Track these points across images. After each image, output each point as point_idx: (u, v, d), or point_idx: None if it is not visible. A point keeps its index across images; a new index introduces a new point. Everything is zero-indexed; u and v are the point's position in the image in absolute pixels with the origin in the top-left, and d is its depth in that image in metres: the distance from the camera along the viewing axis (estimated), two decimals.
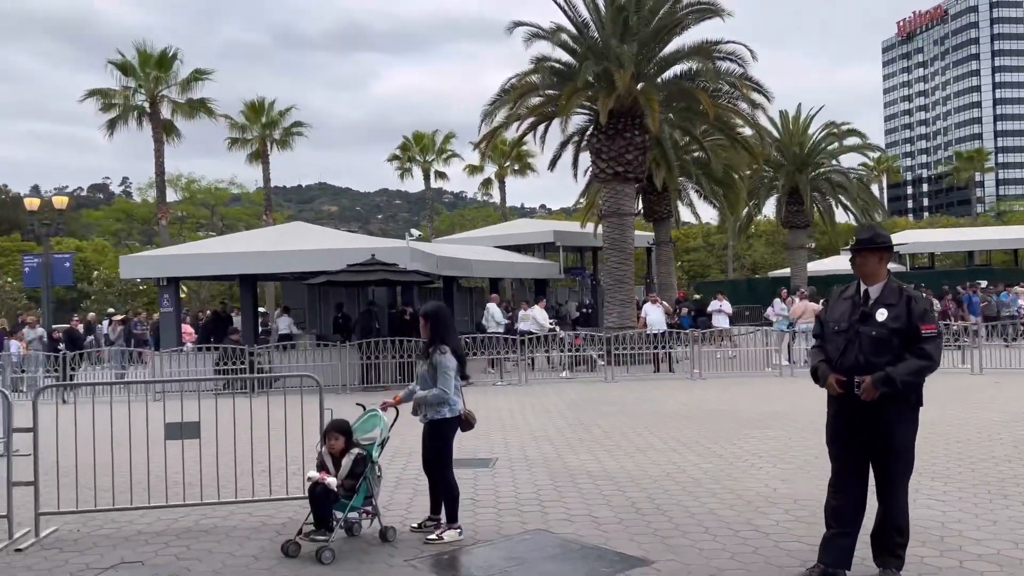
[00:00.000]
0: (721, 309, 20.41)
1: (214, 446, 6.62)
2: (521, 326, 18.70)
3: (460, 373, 5.98)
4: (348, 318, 21.16)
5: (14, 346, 18.25)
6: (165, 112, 32.90)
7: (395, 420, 6.21)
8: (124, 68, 31.97)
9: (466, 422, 6.06)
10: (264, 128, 38.44)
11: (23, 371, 17.71)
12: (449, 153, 49.00)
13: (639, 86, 20.09)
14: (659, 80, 21.22)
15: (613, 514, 6.49)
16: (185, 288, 35.17)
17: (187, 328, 21.82)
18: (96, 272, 40.17)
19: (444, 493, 5.97)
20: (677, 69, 21.16)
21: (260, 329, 23.23)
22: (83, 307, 37.54)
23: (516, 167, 47.78)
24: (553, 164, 24.84)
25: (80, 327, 22.49)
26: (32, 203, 24.21)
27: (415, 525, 6.18)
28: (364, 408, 6.32)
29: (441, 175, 49.51)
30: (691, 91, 20.34)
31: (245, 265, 18.98)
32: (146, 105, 32.61)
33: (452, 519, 5.93)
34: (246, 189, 50.38)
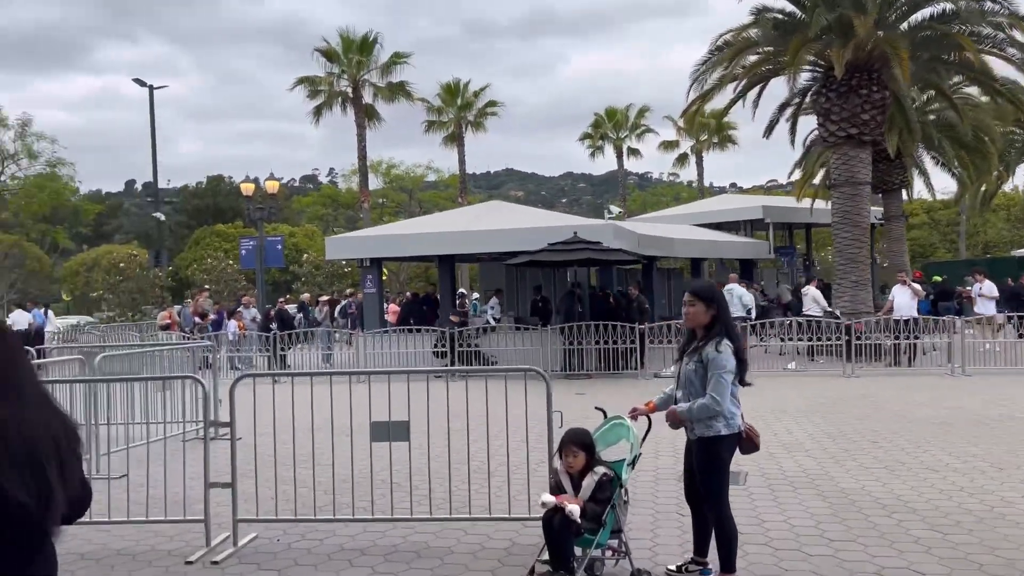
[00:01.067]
0: (982, 292, 17.23)
1: (424, 439, 5.63)
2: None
3: (739, 377, 4.48)
4: (547, 300, 20.20)
5: (231, 326, 18.89)
6: (367, 96, 33.75)
7: (647, 432, 4.85)
8: (329, 55, 33.07)
9: (748, 441, 4.55)
10: (460, 110, 38.56)
11: (238, 350, 18.31)
12: (643, 129, 47.00)
13: (880, 34, 17.32)
14: (901, 27, 18.27)
15: (946, 571, 4.75)
16: (385, 270, 36.07)
17: (394, 307, 21.83)
18: (305, 255, 42.35)
19: (717, 532, 4.53)
20: (925, 12, 18.11)
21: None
22: (295, 288, 39.63)
23: (715, 140, 44.90)
24: (769, 130, 22.36)
25: (290, 307, 23.24)
26: (248, 188, 25.29)
27: (673, 568, 4.80)
28: (605, 414, 5.02)
29: (634, 152, 47.61)
30: (948, 36, 17.24)
31: (446, 245, 18.47)
32: (349, 90, 33.59)
33: (728, 567, 4.49)
34: (442, 172, 51.43)
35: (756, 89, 20.12)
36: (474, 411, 5.62)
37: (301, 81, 33.30)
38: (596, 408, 5.16)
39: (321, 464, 6.22)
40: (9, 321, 22.57)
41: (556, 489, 4.66)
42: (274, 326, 19.37)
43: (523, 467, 6.14)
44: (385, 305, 21.49)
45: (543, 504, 4.54)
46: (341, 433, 5.83)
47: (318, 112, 33.60)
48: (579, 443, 4.63)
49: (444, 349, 16.60)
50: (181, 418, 9.78)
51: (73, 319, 34.85)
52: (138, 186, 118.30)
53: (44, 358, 12.71)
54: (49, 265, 53.24)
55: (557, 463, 4.76)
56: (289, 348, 18.59)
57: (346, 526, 5.89)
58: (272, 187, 25.70)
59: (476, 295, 30.88)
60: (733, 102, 21.09)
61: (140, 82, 33.04)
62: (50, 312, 25.68)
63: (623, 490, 4.66)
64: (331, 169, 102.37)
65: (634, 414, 4.78)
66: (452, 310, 18.78)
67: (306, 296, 29.72)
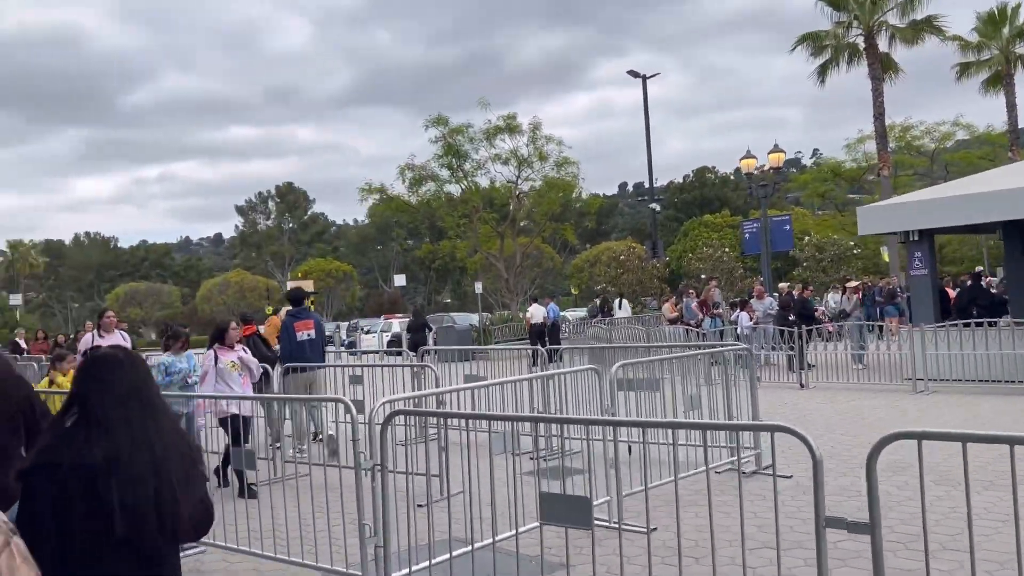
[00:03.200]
0: None
1: None
2: None
3: None
4: None
5: (743, 318, 16.36)
6: (882, 44, 28.56)
7: None
8: (835, 3, 28.71)
9: None
10: (1007, 42, 30.59)
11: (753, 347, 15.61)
12: None
13: None
14: None
15: None
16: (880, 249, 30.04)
17: (951, 292, 17.07)
18: (806, 237, 38.38)
19: None
20: None
21: None
22: (795, 274, 36.04)
23: None
24: None
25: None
26: (748, 164, 22.71)
27: None
28: None
29: None
30: None
31: None
32: (859, 41, 28.80)
33: None
34: (974, 128, 42.17)
35: None
36: None
37: (804, 39, 29.52)
38: None
39: None
40: (528, 314, 23.46)
41: None
42: (793, 318, 16.27)
43: None
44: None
45: None
46: None
47: (823, 71, 29.49)
48: None
49: None
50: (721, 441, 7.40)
51: (581, 311, 36.45)
52: (629, 187, 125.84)
53: (557, 359, 11.61)
54: (559, 263, 58.24)
55: None
56: (809, 343, 15.31)
57: None
58: (776, 159, 22.69)
59: None
60: None
61: (634, 73, 32.93)
62: (624, 301, 25.43)
63: None
64: (815, 150, 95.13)
65: None
66: None
67: (783, 285, 25.96)
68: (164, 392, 7.76)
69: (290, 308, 9.53)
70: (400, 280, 53.55)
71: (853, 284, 19.23)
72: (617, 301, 24.64)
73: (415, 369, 9.66)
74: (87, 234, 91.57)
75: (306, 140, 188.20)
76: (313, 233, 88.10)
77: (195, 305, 66.23)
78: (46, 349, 19.82)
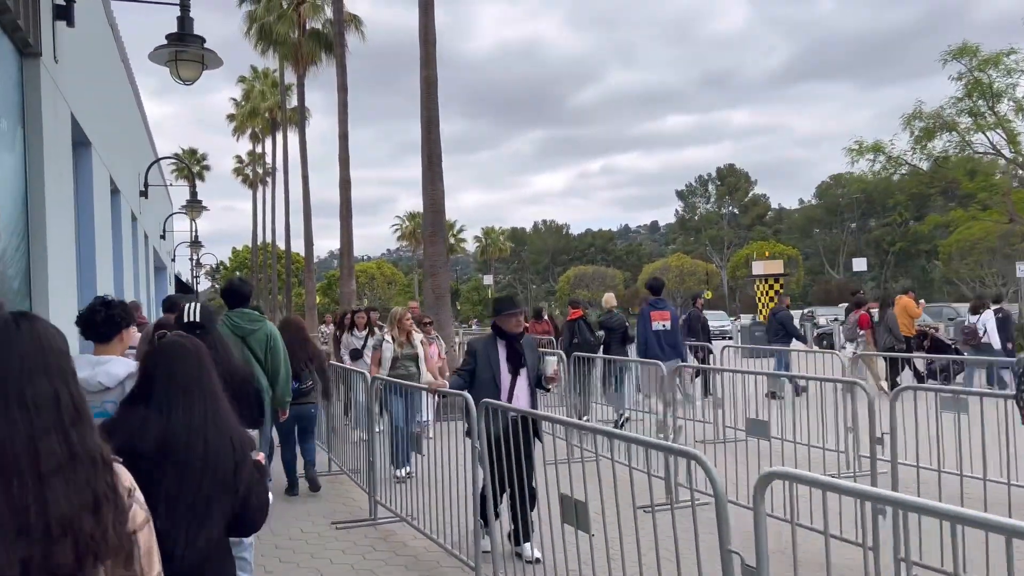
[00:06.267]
0: None
1: None
2: None
3: None
4: None
5: None
6: None
7: None
8: None
9: None
10: None
11: None
12: None
13: None
14: None
15: None
16: None
17: None
18: None
19: None
20: None
21: None
22: None
23: None
24: None
25: None
26: None
27: None
28: None
29: None
30: None
31: None
32: None
33: None
34: None
35: None
36: None
37: None
38: None
39: None
40: None
41: None
42: None
43: None
44: None
45: None
46: None
47: None
48: None
49: None
50: None
51: None
52: None
53: None
54: None
55: None
56: None
57: None
58: None
59: None
60: None
61: None
62: None
63: None
64: None
65: None
66: None
67: None
68: None
69: (650, 298, 9.71)
70: (860, 264, 47.77)
71: None
72: None
73: None
74: (543, 222, 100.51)
75: (741, 123, 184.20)
76: (754, 216, 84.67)
77: (636, 289, 67.85)
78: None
